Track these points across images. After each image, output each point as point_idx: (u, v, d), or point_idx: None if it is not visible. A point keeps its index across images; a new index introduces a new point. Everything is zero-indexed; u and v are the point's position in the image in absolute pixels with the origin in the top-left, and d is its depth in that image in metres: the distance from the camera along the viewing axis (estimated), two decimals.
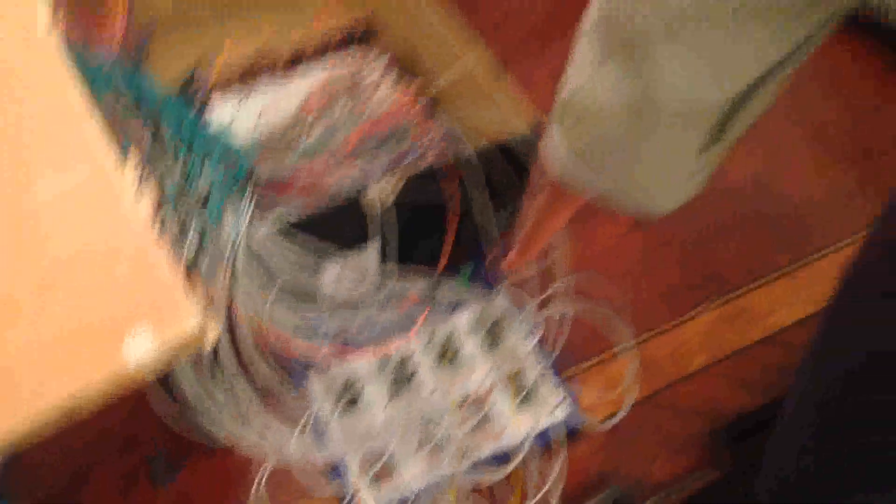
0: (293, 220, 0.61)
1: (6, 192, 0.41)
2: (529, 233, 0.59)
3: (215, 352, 0.55)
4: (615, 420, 0.67)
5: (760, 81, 0.44)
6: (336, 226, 0.63)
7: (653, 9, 0.42)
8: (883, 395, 0.54)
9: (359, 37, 0.83)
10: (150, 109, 0.60)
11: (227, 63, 0.77)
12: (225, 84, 0.76)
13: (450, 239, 0.64)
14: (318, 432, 0.64)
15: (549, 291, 0.70)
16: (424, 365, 0.67)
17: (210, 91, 0.75)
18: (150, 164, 0.58)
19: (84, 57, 0.62)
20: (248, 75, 0.78)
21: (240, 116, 0.73)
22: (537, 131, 0.67)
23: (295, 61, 0.81)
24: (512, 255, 0.61)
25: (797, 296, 0.79)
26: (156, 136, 0.60)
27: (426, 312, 0.67)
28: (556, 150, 0.50)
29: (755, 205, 0.87)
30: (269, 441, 0.60)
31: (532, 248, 0.60)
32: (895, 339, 0.52)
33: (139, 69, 0.68)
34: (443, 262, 0.65)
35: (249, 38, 0.80)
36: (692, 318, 0.76)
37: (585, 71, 0.47)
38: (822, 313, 0.57)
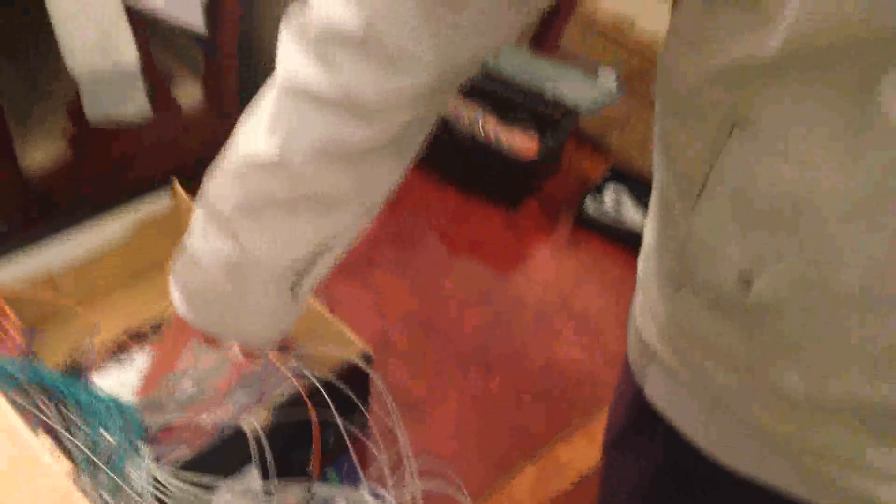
0: (185, 458, 0.72)
1: None
2: (156, 363, 0.67)
3: None
4: None
5: (324, 248, 0.56)
6: (221, 456, 0.74)
7: (233, 195, 0.53)
8: None
9: None
10: (52, 393, 0.71)
11: (104, 340, 0.90)
12: (106, 357, 0.89)
13: (317, 448, 0.75)
14: None
15: (401, 477, 0.84)
16: None
17: (94, 366, 0.87)
18: (61, 438, 0.70)
19: None
20: (124, 346, 0.91)
21: (124, 381, 0.85)
22: (368, 354, 0.85)
23: (159, 328, 0.96)
24: (143, 382, 0.69)
25: (594, 443, 1.00)
26: (61, 413, 0.71)
27: None
28: (174, 294, 0.60)
29: (549, 381, 1.09)
30: None
31: (158, 375, 0.68)
32: (631, 482, 0.65)
33: (35, 362, 0.79)
34: (315, 468, 0.76)
35: (120, 316, 0.95)
36: (517, 475, 0.94)
37: (198, 235, 0.57)
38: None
